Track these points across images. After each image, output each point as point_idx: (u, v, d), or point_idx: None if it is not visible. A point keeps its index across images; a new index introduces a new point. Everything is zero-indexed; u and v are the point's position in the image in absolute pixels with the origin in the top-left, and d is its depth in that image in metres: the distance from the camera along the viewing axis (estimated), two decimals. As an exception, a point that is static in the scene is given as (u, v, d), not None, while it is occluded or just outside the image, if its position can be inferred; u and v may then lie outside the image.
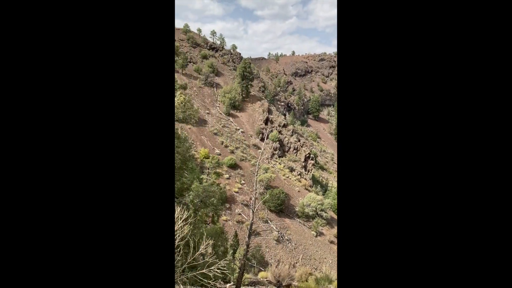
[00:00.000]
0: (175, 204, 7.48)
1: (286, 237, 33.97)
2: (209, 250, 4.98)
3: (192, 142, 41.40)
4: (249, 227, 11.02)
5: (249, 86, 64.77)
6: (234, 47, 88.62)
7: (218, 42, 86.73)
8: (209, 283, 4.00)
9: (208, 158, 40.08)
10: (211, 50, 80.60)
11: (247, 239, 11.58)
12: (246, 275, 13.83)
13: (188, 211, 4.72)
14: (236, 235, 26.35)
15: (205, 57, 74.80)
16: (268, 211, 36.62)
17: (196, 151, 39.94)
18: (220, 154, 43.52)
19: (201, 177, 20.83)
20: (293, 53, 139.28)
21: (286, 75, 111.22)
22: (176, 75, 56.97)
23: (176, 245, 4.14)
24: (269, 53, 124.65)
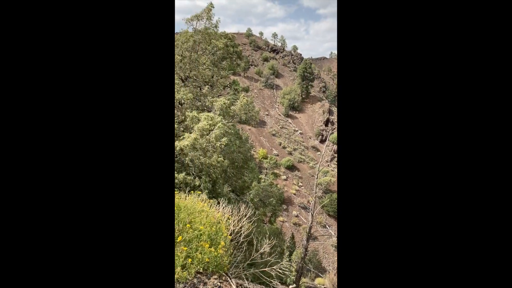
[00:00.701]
0: (238, 202, 7.83)
1: (345, 245, 32.22)
2: (267, 249, 5.08)
3: (252, 142, 42.61)
4: (307, 230, 10.84)
5: (309, 86, 63.60)
6: (295, 48, 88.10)
7: (279, 44, 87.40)
8: (271, 282, 4.10)
9: (266, 158, 40.76)
10: (272, 53, 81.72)
11: (305, 242, 11.41)
12: (302, 279, 13.62)
13: (252, 210, 4.91)
14: (293, 237, 26.14)
15: (266, 59, 76.22)
16: (327, 216, 35.33)
17: (255, 151, 41.00)
18: (278, 155, 43.79)
19: (259, 177, 21.35)
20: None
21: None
22: (238, 78, 59.45)
23: (240, 242, 4.35)
24: (331, 52, 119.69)
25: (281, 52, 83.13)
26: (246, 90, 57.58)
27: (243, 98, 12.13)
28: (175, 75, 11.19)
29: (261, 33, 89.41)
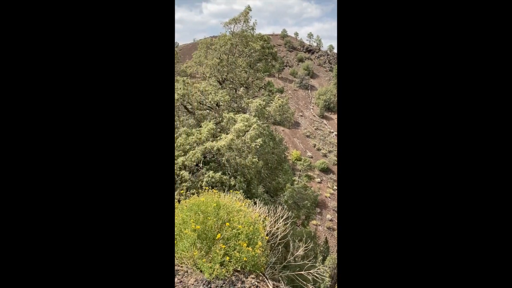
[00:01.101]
0: (272, 203, 7.86)
1: (383, 253, 30.64)
2: (301, 252, 5.01)
3: (285, 144, 42.40)
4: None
5: (346, 87, 61.55)
6: (331, 47, 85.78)
7: (315, 44, 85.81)
8: (306, 285, 4.05)
9: (300, 160, 40.25)
10: (307, 53, 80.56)
11: (340, 248, 11.05)
12: (337, 286, 13.21)
13: (289, 211, 4.89)
14: (326, 242, 25.48)
15: (301, 60, 75.34)
16: (363, 222, 33.91)
17: (288, 153, 40.73)
18: (312, 157, 42.99)
19: (293, 179, 21.16)
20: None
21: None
22: (272, 79, 59.55)
23: (276, 243, 4.36)
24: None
25: (317, 52, 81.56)
26: (281, 91, 57.43)
27: (278, 100, 12.14)
28: (213, 78, 11.56)
29: (296, 34, 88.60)
